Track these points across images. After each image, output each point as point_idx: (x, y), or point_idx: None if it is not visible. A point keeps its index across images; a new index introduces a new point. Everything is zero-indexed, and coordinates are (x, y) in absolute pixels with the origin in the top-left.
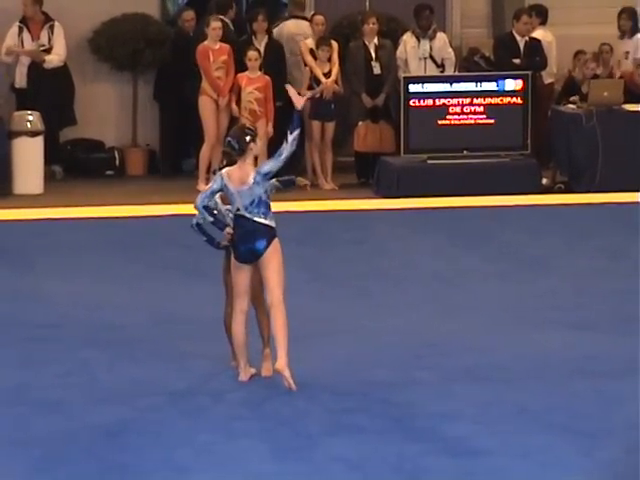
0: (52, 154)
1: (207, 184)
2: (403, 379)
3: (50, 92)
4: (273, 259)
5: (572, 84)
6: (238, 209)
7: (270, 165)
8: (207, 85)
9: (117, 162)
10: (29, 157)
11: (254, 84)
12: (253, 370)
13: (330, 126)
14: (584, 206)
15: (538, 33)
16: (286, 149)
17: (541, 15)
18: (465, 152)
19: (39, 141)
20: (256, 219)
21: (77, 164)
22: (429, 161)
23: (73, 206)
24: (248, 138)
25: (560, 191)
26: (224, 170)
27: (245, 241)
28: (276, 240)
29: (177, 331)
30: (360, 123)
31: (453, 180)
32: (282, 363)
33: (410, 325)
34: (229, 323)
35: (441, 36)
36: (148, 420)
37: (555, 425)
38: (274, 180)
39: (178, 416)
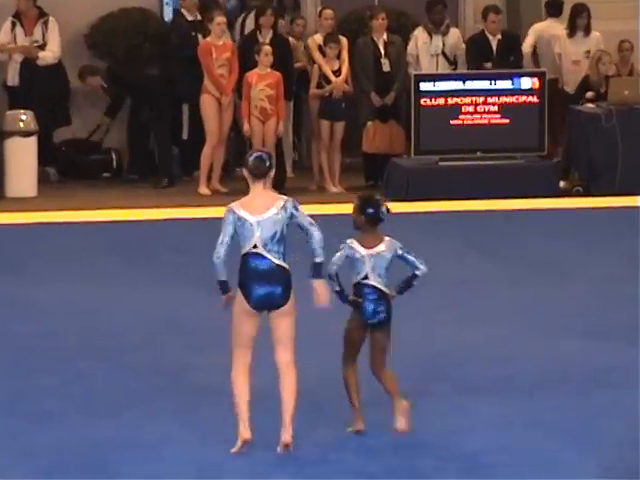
0: (46, 155)
1: (208, 187)
2: (414, 390)
3: (44, 90)
4: (290, 315)
5: (587, 83)
6: (255, 245)
7: (302, 216)
8: (209, 83)
9: (114, 164)
10: (22, 158)
11: (265, 81)
12: (248, 435)
13: (340, 126)
14: (603, 210)
15: (548, 26)
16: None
17: (553, 8)
18: (478, 153)
19: (32, 142)
20: (275, 261)
21: (72, 166)
22: (441, 163)
23: (68, 209)
24: (272, 160)
25: (578, 194)
26: (233, 204)
27: (261, 283)
28: (293, 293)
29: (176, 340)
30: (369, 123)
31: (466, 183)
32: (289, 436)
33: (422, 334)
34: (346, 377)
35: (454, 32)
36: (146, 434)
37: (572, 439)
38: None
39: (178, 430)
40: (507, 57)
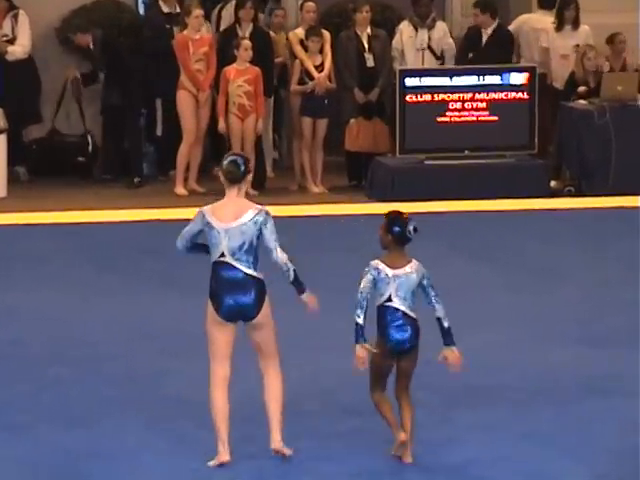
0: (16, 154)
1: (185, 187)
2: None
3: (13, 87)
4: (267, 326)
5: (573, 79)
6: (223, 254)
7: (270, 233)
8: (186, 79)
9: (90, 147)
10: None
11: (243, 76)
12: (227, 457)
13: (322, 123)
14: (596, 210)
15: (530, 18)
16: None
17: (545, 0)
18: (466, 152)
19: (2, 140)
20: (245, 270)
21: (44, 160)
22: (427, 162)
23: (38, 211)
24: (249, 165)
25: (570, 194)
26: (206, 207)
27: (231, 293)
28: (267, 301)
29: (153, 347)
30: (352, 120)
31: (453, 182)
32: (279, 441)
33: None
34: (378, 403)
35: (441, 25)
36: (123, 445)
37: (566, 450)
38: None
39: (156, 441)
40: (494, 50)
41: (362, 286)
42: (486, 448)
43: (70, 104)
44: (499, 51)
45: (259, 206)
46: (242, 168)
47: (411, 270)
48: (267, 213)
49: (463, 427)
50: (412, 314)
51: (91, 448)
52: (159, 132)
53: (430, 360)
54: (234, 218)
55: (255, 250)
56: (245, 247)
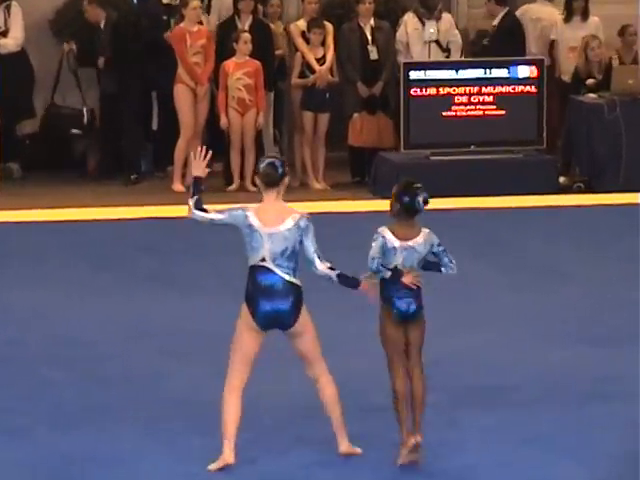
0: (8, 150)
1: (183, 183)
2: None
3: (5, 80)
4: (307, 332)
5: (577, 73)
6: (264, 258)
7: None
8: (183, 72)
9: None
10: None
11: (243, 69)
12: (231, 460)
13: (324, 118)
14: (606, 207)
15: (538, 10)
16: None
17: None
18: (472, 147)
19: None
20: (285, 276)
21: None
22: (432, 157)
23: (32, 208)
24: (286, 167)
25: (579, 191)
26: (250, 207)
27: (268, 298)
28: (305, 307)
29: (151, 347)
30: (355, 115)
31: (459, 178)
32: (347, 444)
33: None
34: (397, 389)
35: (447, 17)
36: (119, 448)
37: (569, 453)
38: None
39: (154, 444)
40: (505, 39)
41: (373, 251)
42: (489, 451)
43: (67, 82)
44: (508, 39)
45: (300, 211)
46: (280, 170)
47: (421, 241)
48: (308, 219)
49: (464, 430)
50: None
51: (88, 451)
52: (155, 126)
53: (431, 361)
54: (278, 222)
55: (296, 256)
56: (287, 253)
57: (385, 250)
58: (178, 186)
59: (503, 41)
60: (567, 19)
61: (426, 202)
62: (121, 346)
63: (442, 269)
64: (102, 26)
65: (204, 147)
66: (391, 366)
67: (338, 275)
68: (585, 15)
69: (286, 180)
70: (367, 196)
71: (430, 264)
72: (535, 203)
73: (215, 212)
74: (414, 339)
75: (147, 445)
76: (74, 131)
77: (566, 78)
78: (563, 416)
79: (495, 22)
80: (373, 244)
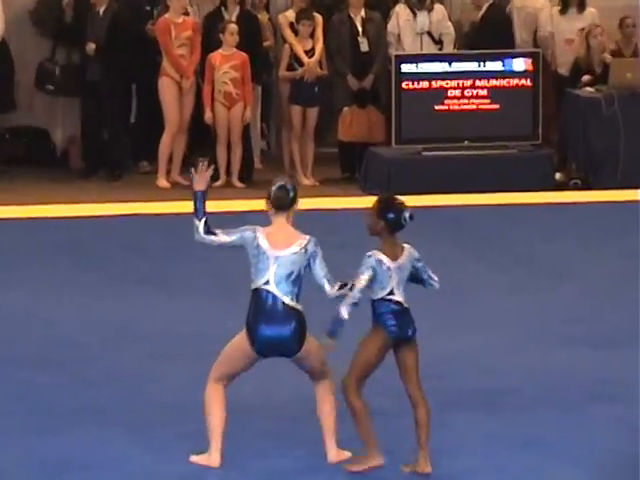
0: None
1: (168, 179)
2: (396, 407)
3: None
4: (313, 354)
5: (578, 64)
6: (268, 281)
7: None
8: (168, 65)
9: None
10: None
11: (230, 62)
12: (217, 463)
13: (313, 112)
14: (603, 204)
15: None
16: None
17: None
18: (466, 142)
19: None
20: (286, 301)
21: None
22: (424, 153)
23: (13, 204)
24: (297, 192)
25: (576, 187)
26: (259, 229)
27: (269, 323)
28: (308, 335)
29: (137, 350)
30: (345, 109)
31: (452, 174)
32: (335, 452)
33: None
34: (357, 407)
35: (439, 8)
36: (104, 453)
37: (570, 458)
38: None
39: (135, 450)
40: (491, 29)
41: (363, 282)
42: (484, 456)
43: None
44: (493, 30)
45: (307, 236)
46: (291, 194)
47: (405, 258)
48: (316, 244)
49: (461, 434)
50: (407, 305)
51: (75, 454)
52: (132, 119)
53: (424, 363)
54: (286, 246)
55: (300, 281)
56: (293, 277)
57: (379, 273)
58: (163, 182)
59: (488, 32)
60: (563, 10)
61: (412, 218)
62: (107, 348)
63: (424, 285)
64: (101, 12)
65: (206, 161)
66: (353, 385)
67: (340, 314)
68: (582, 6)
69: (296, 206)
70: (357, 192)
71: (412, 277)
72: (530, 200)
73: (223, 233)
74: (410, 363)
75: (135, 448)
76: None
77: (562, 71)
78: (563, 419)
79: (480, 13)
80: (364, 273)
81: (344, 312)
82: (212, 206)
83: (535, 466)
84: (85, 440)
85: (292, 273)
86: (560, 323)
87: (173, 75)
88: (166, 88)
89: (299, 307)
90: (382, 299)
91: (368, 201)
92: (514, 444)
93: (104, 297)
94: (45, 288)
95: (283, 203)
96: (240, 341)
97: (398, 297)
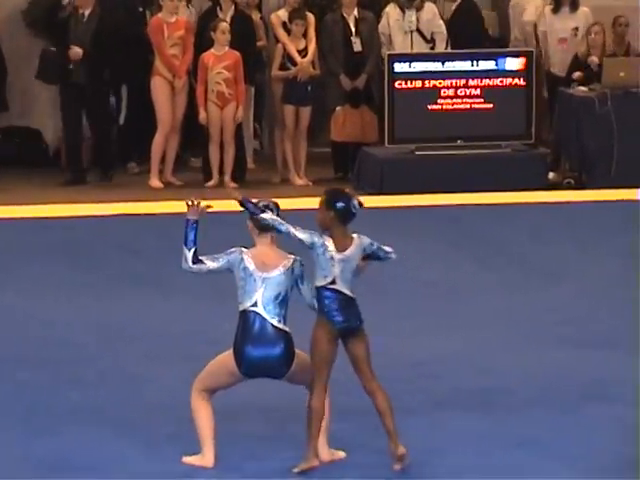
0: None
1: (161, 179)
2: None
3: None
4: (301, 370)
5: (577, 62)
6: (255, 303)
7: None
8: (160, 64)
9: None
10: None
11: (223, 62)
12: (211, 464)
13: (305, 111)
14: (597, 204)
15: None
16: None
17: None
18: (459, 142)
19: None
20: (274, 323)
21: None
22: (417, 152)
23: (6, 204)
24: (279, 212)
25: (570, 187)
26: (245, 250)
27: (256, 345)
28: (296, 354)
29: (130, 350)
30: (338, 109)
31: (445, 174)
32: (327, 452)
33: (397, 343)
34: (316, 408)
35: (430, 7)
36: (100, 453)
37: (565, 458)
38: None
39: (131, 451)
40: (462, 22)
41: (297, 232)
42: (478, 456)
43: None
44: (465, 23)
45: (291, 255)
46: (276, 213)
47: (353, 249)
48: (302, 264)
49: (456, 433)
50: (353, 295)
51: (64, 457)
52: (121, 121)
53: (417, 362)
54: (273, 267)
55: (287, 302)
56: (280, 298)
57: (320, 257)
58: (155, 182)
59: (460, 25)
60: (555, 10)
61: (361, 205)
62: (99, 349)
63: (384, 261)
64: (86, 14)
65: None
66: (314, 382)
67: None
68: (574, 5)
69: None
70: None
71: (372, 257)
72: (524, 199)
73: (210, 260)
74: (360, 354)
75: (132, 448)
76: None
77: (555, 70)
78: (558, 418)
79: (453, 6)
80: (306, 232)
81: (265, 215)
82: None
83: (530, 466)
84: (82, 440)
85: (279, 294)
86: (556, 323)
87: (165, 75)
88: (159, 88)
89: (287, 329)
90: (324, 287)
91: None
92: (509, 444)
93: (99, 297)
94: (40, 288)
95: (267, 224)
96: (226, 360)
97: (341, 287)
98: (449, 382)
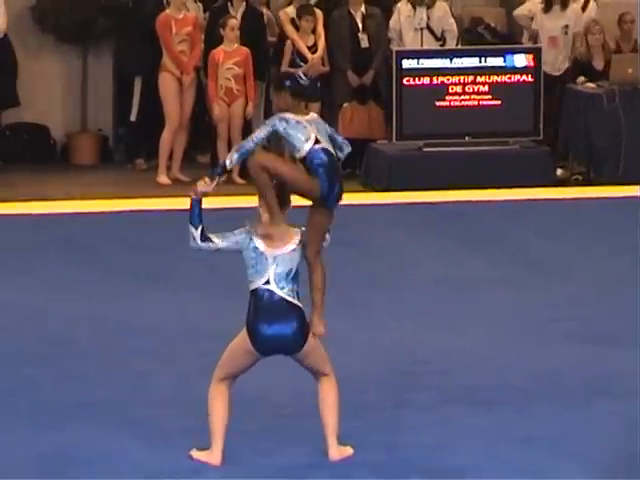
0: None
1: (168, 175)
2: (393, 402)
3: None
4: (313, 351)
5: (576, 63)
6: (268, 281)
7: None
8: (168, 60)
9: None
10: None
11: (233, 58)
12: (218, 461)
13: (314, 107)
14: (605, 200)
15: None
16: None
17: None
18: (467, 138)
19: None
20: (288, 298)
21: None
22: (425, 149)
23: (12, 200)
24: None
25: (577, 183)
26: (253, 229)
27: (270, 322)
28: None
29: (133, 346)
30: (345, 105)
31: (453, 170)
32: (336, 449)
33: (403, 339)
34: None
35: (441, 4)
36: (99, 449)
37: (571, 454)
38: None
39: (133, 445)
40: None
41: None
42: (483, 452)
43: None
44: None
45: (298, 229)
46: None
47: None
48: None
49: (461, 429)
50: (297, 303)
51: (70, 450)
52: (133, 117)
53: (423, 359)
54: (283, 244)
55: (298, 276)
56: (292, 274)
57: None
58: (163, 178)
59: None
60: (546, 9)
61: (306, 75)
62: (102, 344)
63: (340, 155)
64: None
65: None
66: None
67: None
68: (565, 3)
69: (289, 204)
70: (358, 188)
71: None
72: (532, 196)
73: (218, 238)
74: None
75: (134, 444)
76: None
77: (547, 69)
78: (563, 415)
79: None
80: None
81: (227, 161)
82: (212, 202)
83: (536, 462)
84: (86, 436)
85: (291, 270)
86: (562, 319)
87: (173, 71)
88: (167, 84)
89: (299, 304)
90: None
91: (369, 197)
92: (515, 440)
93: (105, 293)
94: (43, 284)
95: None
96: (241, 341)
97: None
98: (455, 379)
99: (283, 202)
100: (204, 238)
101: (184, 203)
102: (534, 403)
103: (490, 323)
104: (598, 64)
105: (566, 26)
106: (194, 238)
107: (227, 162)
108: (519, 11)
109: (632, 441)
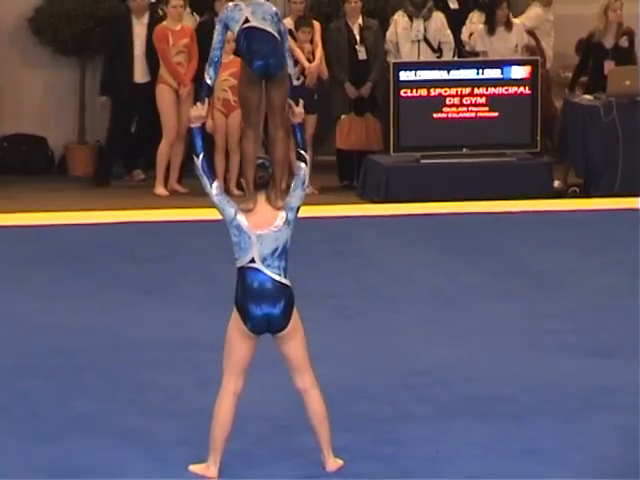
0: None
1: (166, 187)
2: (391, 414)
3: None
4: (296, 334)
5: (591, 43)
6: (253, 259)
7: (299, 197)
8: (165, 72)
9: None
10: None
11: (228, 70)
12: (215, 475)
13: (312, 119)
14: (602, 212)
15: (531, 12)
16: (306, 173)
17: None
18: (464, 150)
19: None
20: (275, 277)
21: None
22: (423, 160)
23: (7, 212)
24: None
25: (575, 195)
26: (240, 206)
27: (259, 302)
28: (295, 309)
29: (133, 358)
30: (343, 117)
31: (451, 182)
32: (332, 463)
33: (401, 351)
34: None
35: (438, 16)
36: (97, 460)
37: (569, 467)
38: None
39: (134, 458)
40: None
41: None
42: (483, 465)
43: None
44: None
45: (284, 204)
46: (269, 171)
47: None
48: (288, 204)
49: (459, 442)
50: (286, 282)
51: (66, 467)
52: (132, 129)
53: (421, 371)
54: (267, 224)
55: (286, 254)
56: (278, 252)
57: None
58: (161, 190)
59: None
60: (491, 31)
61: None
62: (102, 356)
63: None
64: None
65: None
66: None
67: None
68: (508, 25)
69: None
70: (355, 200)
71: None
72: (529, 207)
73: (217, 190)
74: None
75: (132, 455)
76: None
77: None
78: (562, 427)
79: None
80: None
81: (207, 78)
82: (209, 213)
83: (534, 474)
84: (85, 447)
85: (277, 249)
86: (559, 331)
87: (171, 83)
88: (164, 96)
89: (287, 282)
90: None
91: (366, 209)
92: (513, 452)
93: (103, 305)
94: (41, 295)
95: (262, 181)
96: (234, 324)
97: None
98: (453, 390)
99: (261, 184)
100: (207, 170)
101: (182, 214)
102: (532, 415)
103: (487, 335)
104: (609, 42)
105: (516, 45)
106: (198, 167)
107: (208, 80)
108: (463, 35)
109: (630, 453)
